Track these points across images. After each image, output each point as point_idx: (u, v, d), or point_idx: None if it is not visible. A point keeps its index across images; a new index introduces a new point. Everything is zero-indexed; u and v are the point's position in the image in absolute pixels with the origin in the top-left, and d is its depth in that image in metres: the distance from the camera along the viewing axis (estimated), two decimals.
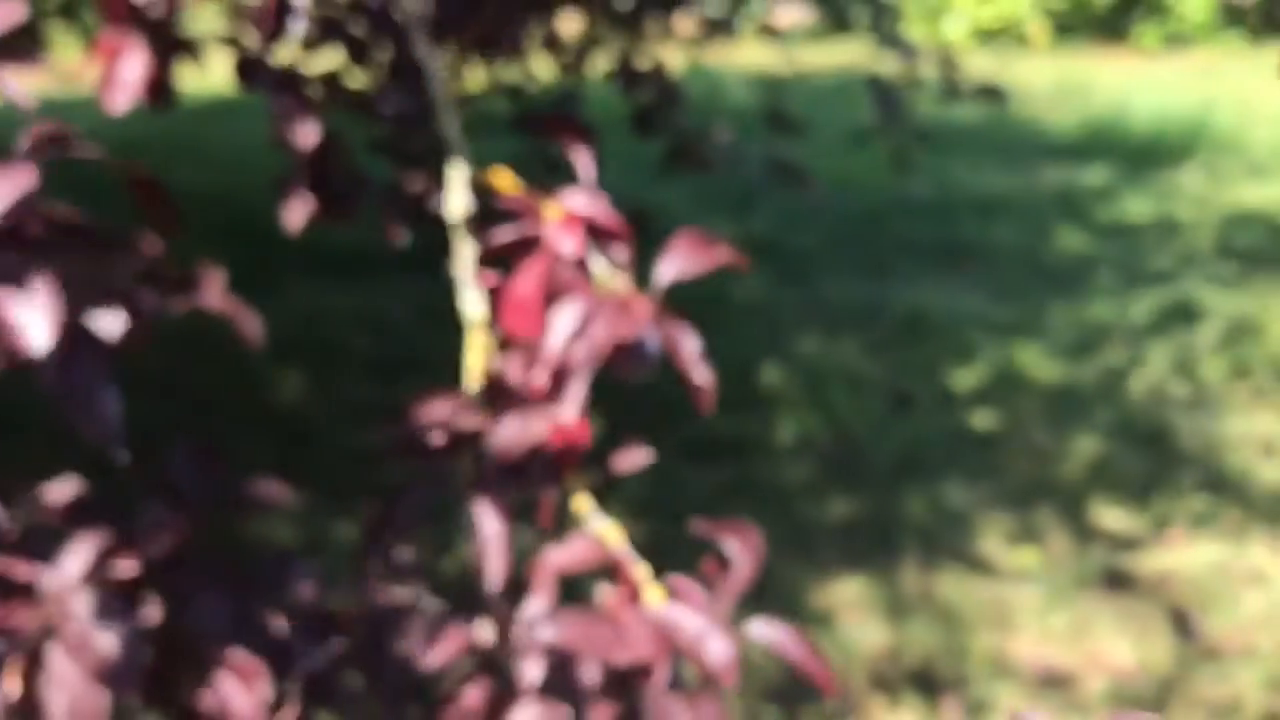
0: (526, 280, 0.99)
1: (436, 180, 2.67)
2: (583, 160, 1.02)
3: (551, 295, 1.00)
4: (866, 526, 3.55)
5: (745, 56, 6.31)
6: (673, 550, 3.60)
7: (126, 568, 1.07)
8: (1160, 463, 3.86)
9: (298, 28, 1.13)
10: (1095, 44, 12.11)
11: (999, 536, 3.50)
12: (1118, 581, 3.29)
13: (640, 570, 1.06)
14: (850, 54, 10.19)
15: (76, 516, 1.15)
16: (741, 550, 1.05)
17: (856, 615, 3.14)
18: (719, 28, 3.82)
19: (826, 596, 3.22)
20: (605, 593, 1.05)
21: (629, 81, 3.06)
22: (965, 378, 4.38)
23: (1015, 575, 3.34)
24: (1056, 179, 7.13)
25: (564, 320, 0.96)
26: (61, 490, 1.19)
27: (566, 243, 0.98)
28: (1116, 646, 3.02)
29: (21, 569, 1.05)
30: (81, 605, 1.00)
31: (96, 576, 1.05)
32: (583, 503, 1.06)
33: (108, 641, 0.98)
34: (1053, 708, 2.80)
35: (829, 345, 4.54)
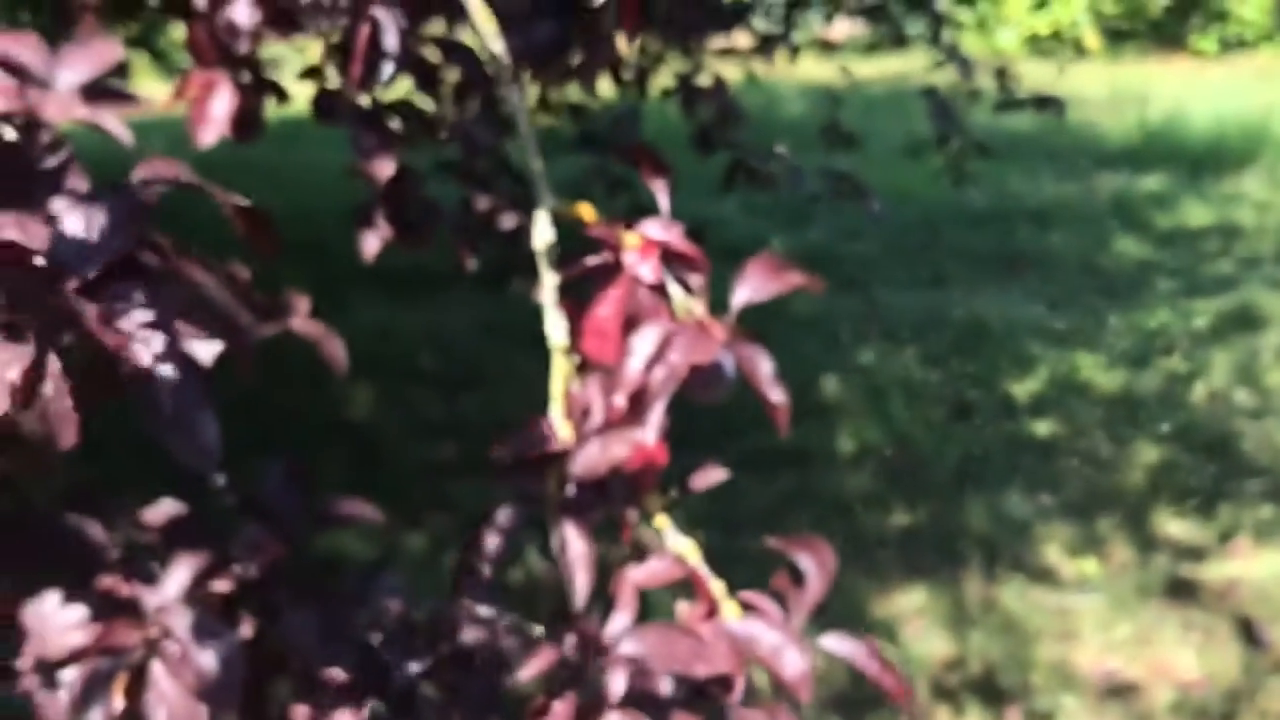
0: (606, 306, 1.04)
1: (502, 200, 2.74)
2: (660, 190, 1.07)
3: (630, 320, 1.05)
4: (928, 536, 3.56)
5: (800, 69, 6.34)
6: (735, 559, 3.64)
7: (223, 586, 1.13)
8: (1224, 471, 3.84)
9: (388, 70, 1.19)
10: (1150, 50, 11.99)
11: (1061, 546, 3.50)
12: (1182, 591, 3.28)
13: (717, 586, 1.10)
14: (903, 65, 10.18)
15: (174, 536, 1.21)
16: (814, 566, 1.09)
17: (919, 625, 3.16)
18: (775, 42, 3.86)
19: (889, 606, 3.25)
20: (684, 608, 1.09)
21: (688, 99, 3.10)
22: (1025, 386, 4.38)
23: (1077, 585, 3.34)
24: (1114, 186, 7.09)
25: (643, 345, 1.00)
26: (159, 511, 1.25)
27: (644, 269, 1.02)
28: (1181, 657, 3.01)
29: (124, 588, 1.11)
30: (182, 623, 1.04)
31: (195, 595, 1.10)
32: (661, 521, 1.11)
33: (208, 659, 1.03)
34: (1118, 719, 2.81)
35: (888, 355, 4.56)
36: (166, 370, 0.71)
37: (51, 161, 0.85)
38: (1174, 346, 4.63)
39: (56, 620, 1.04)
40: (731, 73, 3.74)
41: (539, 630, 1.29)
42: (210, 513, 1.24)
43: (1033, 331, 4.77)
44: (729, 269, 1.10)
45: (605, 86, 3.92)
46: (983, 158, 3.96)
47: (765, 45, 3.67)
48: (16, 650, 1.09)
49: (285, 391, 4.05)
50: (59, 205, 0.78)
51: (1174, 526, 3.58)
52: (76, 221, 0.72)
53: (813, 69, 7.49)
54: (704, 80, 3.06)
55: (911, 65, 9.64)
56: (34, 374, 0.73)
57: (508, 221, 2.67)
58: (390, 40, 1.19)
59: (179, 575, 1.07)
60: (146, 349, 0.71)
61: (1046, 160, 7.72)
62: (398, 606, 1.24)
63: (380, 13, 1.18)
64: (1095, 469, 3.88)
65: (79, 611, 1.05)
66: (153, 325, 0.72)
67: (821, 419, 4.15)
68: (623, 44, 1.12)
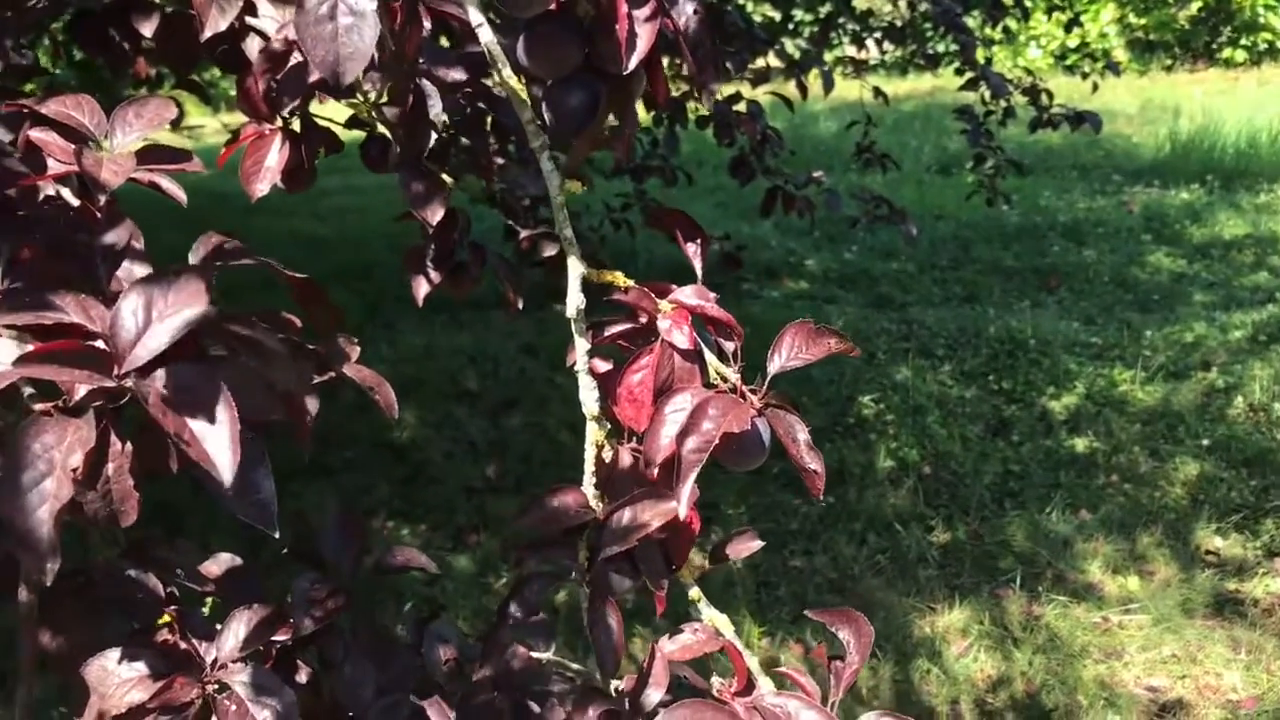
0: (640, 372, 1.06)
1: (540, 230, 2.77)
2: (695, 255, 1.09)
3: (663, 387, 1.06)
4: (968, 553, 3.56)
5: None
6: (778, 576, 3.63)
7: (280, 638, 1.15)
8: (1266, 485, 3.81)
9: (432, 137, 1.22)
10: (1180, 61, 11.91)
11: (1102, 563, 3.48)
12: (1227, 608, 3.26)
13: (752, 661, 1.11)
14: (933, 82, 10.15)
15: (231, 589, 1.24)
16: (854, 639, 1.09)
17: (961, 643, 3.16)
18: (807, 65, 3.88)
19: (930, 624, 3.24)
20: (718, 683, 1.10)
21: (724, 126, 3.13)
22: (1062, 402, 4.36)
23: (1120, 602, 3.32)
24: (1146, 199, 7.04)
25: (675, 412, 1.01)
26: (217, 563, 1.28)
27: (678, 335, 1.04)
28: (1228, 675, 2.99)
29: (182, 642, 1.14)
30: (240, 679, 1.07)
31: (252, 648, 1.13)
32: (695, 593, 1.12)
33: (265, 716, 1.05)
34: None
35: (924, 372, 4.55)
36: (233, 474, 0.74)
37: (112, 237, 0.88)
38: (1211, 360, 4.60)
39: (117, 677, 1.07)
40: (761, 94, 3.77)
41: (577, 669, 1.30)
42: (265, 554, 1.27)
43: (1068, 347, 4.75)
44: (766, 288, 1.11)
45: (640, 112, 3.96)
46: (1017, 175, 3.96)
47: (796, 67, 3.68)
48: (79, 707, 1.12)
49: (332, 412, 4.11)
50: (120, 282, 0.81)
51: (1217, 542, 3.55)
52: (138, 303, 0.74)
53: (843, 87, 7.48)
54: (739, 106, 3.08)
55: (941, 83, 9.62)
56: (96, 457, 0.75)
57: (549, 249, 2.71)
58: (435, 110, 1.22)
59: (236, 629, 1.09)
60: (207, 431, 0.74)
61: (1078, 175, 7.69)
62: (450, 653, 1.27)
63: (425, 84, 1.20)
64: (1135, 485, 3.86)
65: (139, 668, 1.07)
66: (211, 406, 0.74)
67: (859, 437, 4.16)
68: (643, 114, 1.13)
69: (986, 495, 3.85)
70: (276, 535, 1.01)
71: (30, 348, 0.74)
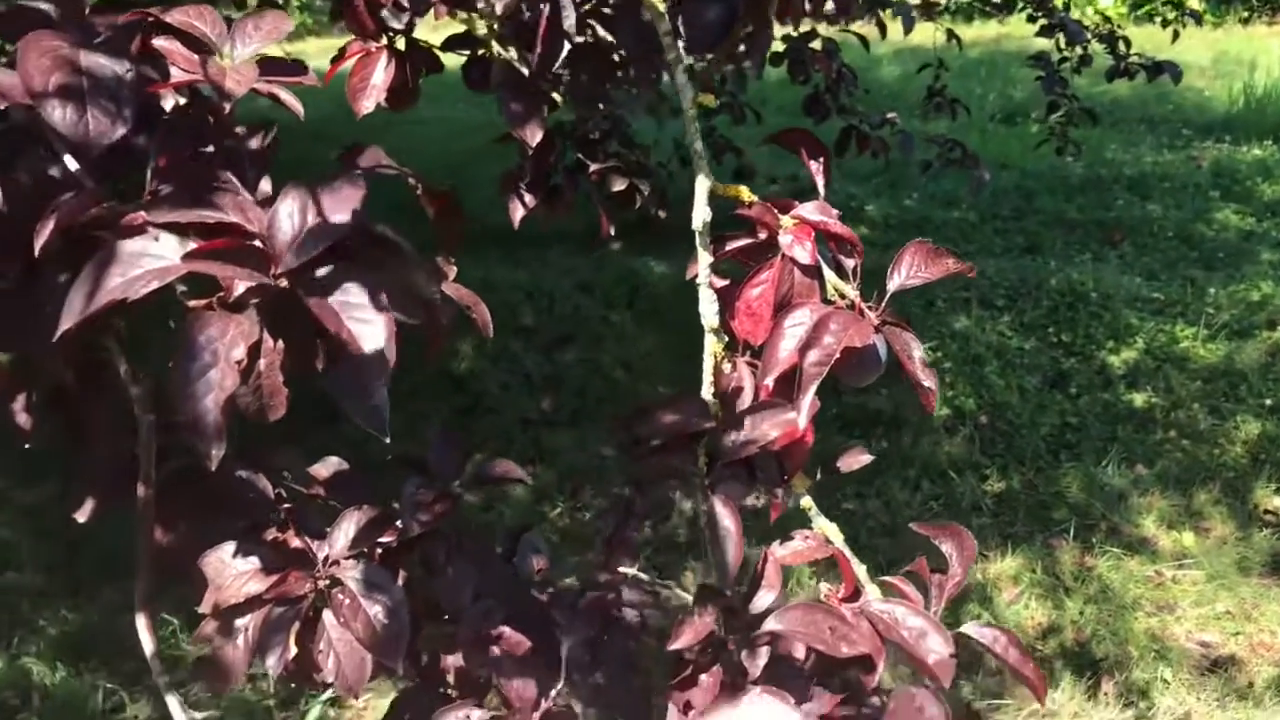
0: (759, 286, 1.07)
1: (610, 165, 2.77)
2: (818, 171, 1.09)
3: (782, 301, 1.07)
4: (1022, 503, 3.56)
5: (894, 31, 6.27)
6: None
7: (387, 540, 1.19)
8: None
9: (564, 50, 1.22)
10: (1258, 14, 11.60)
11: (1157, 518, 3.47)
12: None
13: (860, 569, 1.13)
14: (996, 30, 9.96)
15: (340, 490, 1.27)
16: (956, 553, 1.11)
17: (1013, 590, 3.17)
18: (878, 5, 3.83)
19: (983, 570, 3.25)
20: (826, 589, 1.12)
21: (797, 65, 3.10)
22: (1121, 356, 4.33)
23: (1174, 557, 3.31)
24: (1215, 155, 6.92)
25: (794, 327, 1.02)
26: (325, 467, 1.31)
27: (799, 250, 1.05)
28: None
29: (294, 540, 1.17)
30: (352, 575, 1.10)
31: (361, 547, 1.16)
32: (807, 502, 1.14)
33: (376, 610, 1.08)
34: (1216, 693, 2.80)
35: (983, 322, 4.53)
36: (374, 348, 0.76)
37: (256, 143, 0.90)
38: (1277, 319, 4.54)
39: (233, 569, 1.10)
40: (836, 32, 3.72)
41: (681, 594, 1.33)
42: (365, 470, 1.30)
43: (1129, 301, 4.70)
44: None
45: None
46: (1089, 125, 3.90)
47: (875, 6, 3.64)
48: (196, 598, 1.16)
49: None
50: (268, 188, 0.83)
51: (1276, 502, 3.53)
52: (294, 206, 0.76)
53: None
54: (813, 45, 3.05)
55: (1008, 30, 9.45)
56: (255, 352, 0.78)
57: (618, 184, 2.71)
58: (569, 21, 1.22)
59: (346, 528, 1.12)
60: (363, 329, 0.76)
61: (1146, 128, 7.56)
62: (542, 564, 1.30)
63: None
64: (1193, 441, 3.84)
65: (254, 561, 1.11)
66: (365, 307, 0.76)
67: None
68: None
69: (1042, 446, 3.84)
70: (388, 440, 1.04)
71: (191, 246, 0.76)
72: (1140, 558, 3.33)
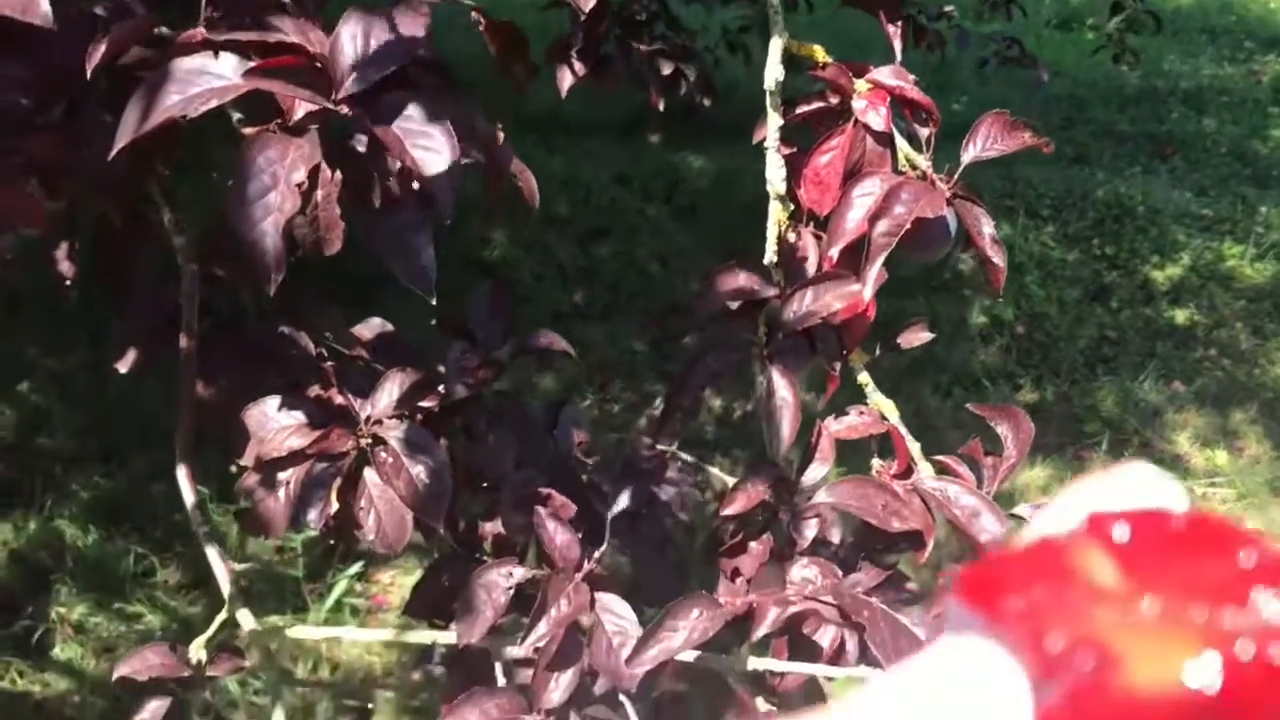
0: (829, 153, 1.03)
1: (657, 47, 2.70)
2: (895, 35, 1.05)
3: (852, 169, 1.03)
4: (1055, 415, 3.53)
5: None
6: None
7: (430, 403, 1.17)
8: None
9: None
10: None
11: (1191, 435, 3.44)
12: None
13: (914, 446, 1.11)
14: None
15: (383, 351, 1.26)
16: (1012, 434, 1.09)
17: (1040, 499, 3.16)
18: None
19: (1010, 480, 3.24)
20: (879, 465, 1.10)
21: None
22: (1166, 273, 4.26)
23: (1206, 475, 3.29)
24: (1277, 69, 6.72)
25: (863, 196, 0.99)
26: (368, 327, 1.30)
27: (873, 116, 1.00)
28: None
29: (337, 397, 1.16)
30: (395, 434, 1.09)
31: (404, 408, 1.15)
32: (864, 377, 1.11)
33: (419, 470, 1.08)
34: None
35: (1027, 232, 4.45)
36: (438, 172, 0.73)
37: None
38: None
39: (276, 423, 1.09)
40: None
41: (720, 476, 1.31)
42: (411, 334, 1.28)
43: (1178, 217, 4.61)
44: None
45: None
46: (1151, 32, 3.78)
47: None
48: (238, 450, 1.15)
49: None
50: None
51: None
52: (357, 29, 0.73)
53: None
54: None
55: None
56: (314, 178, 0.75)
57: (665, 67, 2.64)
58: None
59: (390, 389, 1.11)
60: (428, 156, 0.73)
61: (1206, 39, 7.33)
62: (582, 437, 1.28)
63: None
64: (1233, 361, 3.79)
65: (297, 416, 1.10)
66: (429, 134, 0.73)
67: (954, 291, 4.10)
68: None
69: (1079, 359, 3.79)
70: (434, 301, 1.02)
71: (250, 66, 0.73)
72: (1172, 474, 3.30)
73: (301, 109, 0.74)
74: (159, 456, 2.89)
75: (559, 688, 0.99)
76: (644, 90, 1.88)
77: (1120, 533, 0.27)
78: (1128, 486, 0.29)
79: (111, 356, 1.23)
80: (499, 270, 4.09)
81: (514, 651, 1.15)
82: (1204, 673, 0.24)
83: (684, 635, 0.94)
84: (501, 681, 1.14)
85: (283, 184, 0.73)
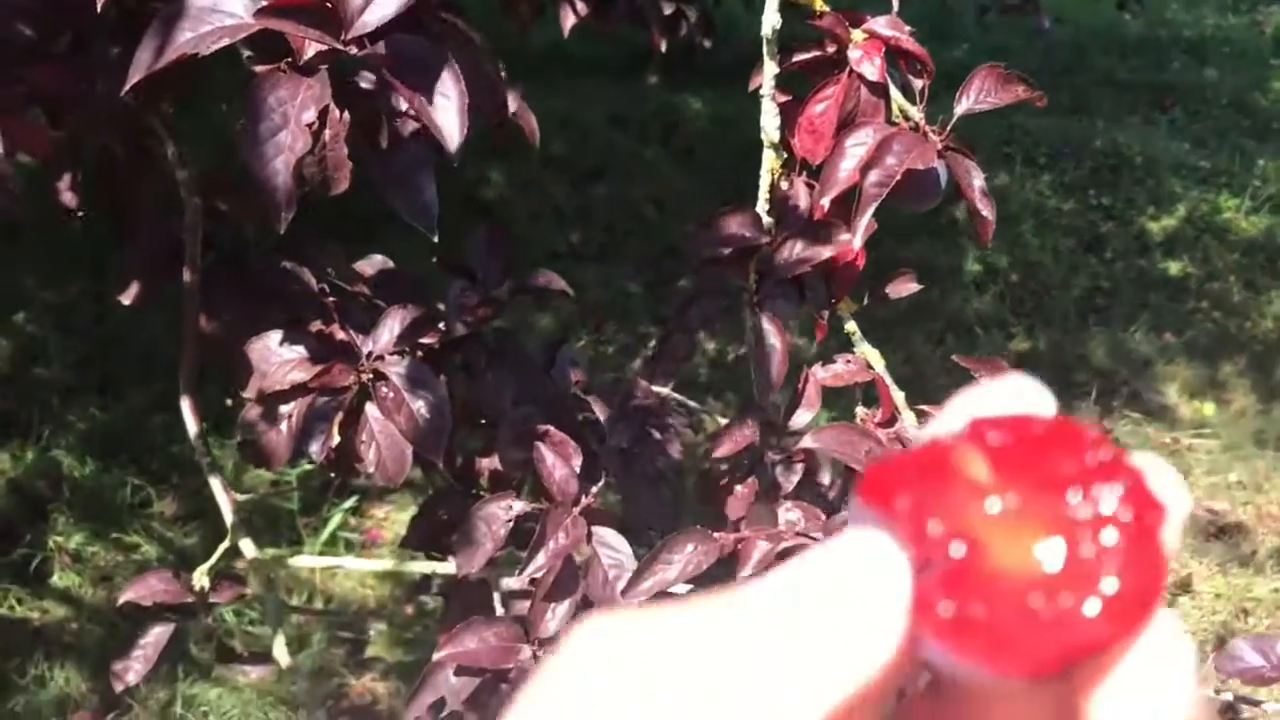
0: (823, 102, 1.04)
1: None
2: None
3: (846, 119, 1.05)
4: (1046, 364, 3.56)
5: None
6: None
7: (430, 340, 1.19)
8: None
9: None
10: None
11: (1180, 386, 3.48)
12: None
13: (898, 395, 1.13)
14: None
15: (385, 287, 1.27)
16: None
17: None
18: None
19: None
20: (863, 412, 1.12)
21: None
22: (1161, 224, 4.27)
23: (1193, 425, 3.33)
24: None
25: (857, 145, 1.00)
26: (370, 263, 1.31)
27: (868, 67, 1.02)
28: None
29: (339, 332, 1.18)
30: (395, 369, 1.11)
31: (406, 344, 1.17)
32: (852, 326, 1.13)
33: (419, 405, 1.10)
34: (1219, 558, 2.84)
35: (1022, 180, 4.45)
36: (447, 116, 0.74)
37: None
38: None
39: (278, 356, 1.11)
40: None
41: (714, 418, 1.33)
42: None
43: (1174, 168, 4.61)
44: None
45: None
46: None
47: None
48: (238, 384, 1.17)
49: None
50: None
51: None
52: None
53: None
54: None
55: None
56: (323, 118, 0.77)
57: (666, 7, 2.63)
58: None
59: (391, 325, 1.12)
60: (437, 99, 0.74)
61: None
62: (579, 375, 1.30)
63: None
64: (1225, 313, 3.81)
65: (299, 350, 1.12)
66: (438, 76, 0.74)
67: (949, 238, 4.11)
68: None
69: (1072, 309, 3.82)
70: (436, 239, 1.03)
71: (261, 5, 0.74)
72: (1159, 424, 3.34)
73: (311, 49, 0.75)
74: (157, 388, 2.92)
75: (556, 618, 1.02)
76: (645, 29, 1.88)
77: (994, 436, 0.30)
78: (1007, 395, 0.33)
79: (110, 288, 1.25)
80: (495, 209, 4.09)
81: (510, 583, 1.18)
82: (1050, 555, 0.29)
83: (678, 568, 0.96)
84: (500, 612, 1.17)
85: (293, 124, 0.74)
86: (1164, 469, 0.31)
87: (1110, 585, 0.28)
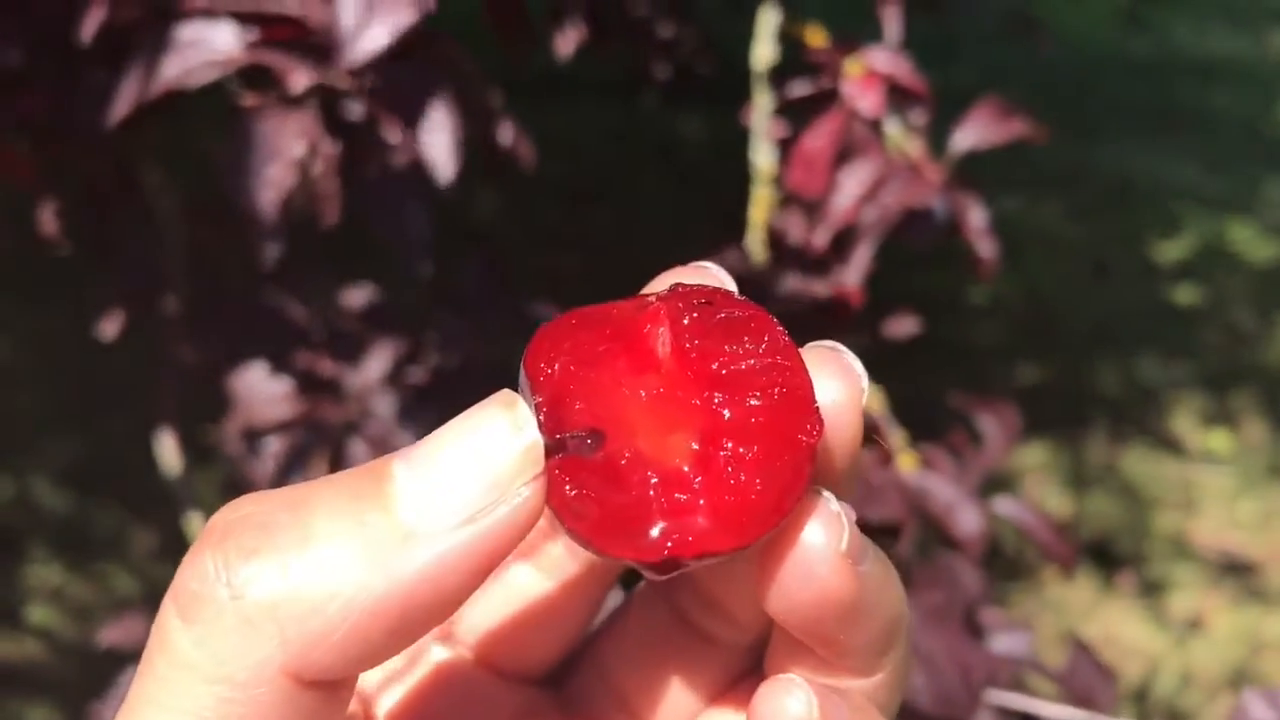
0: (819, 136, 1.01)
1: (656, 6, 2.65)
2: (891, 15, 1.02)
3: (843, 154, 1.01)
4: (1054, 393, 3.52)
5: None
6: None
7: (419, 377, 1.16)
8: None
9: None
10: None
11: (1191, 416, 3.43)
12: None
13: (896, 437, 1.09)
14: None
15: (373, 321, 1.24)
16: (997, 428, 1.08)
17: (1038, 481, 3.15)
18: None
19: (1009, 459, 3.23)
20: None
21: None
22: (1170, 250, 4.23)
23: (1204, 458, 3.28)
24: None
25: (853, 181, 0.97)
26: (358, 295, 1.28)
27: (864, 101, 0.99)
28: None
29: (327, 367, 1.15)
30: (383, 406, 1.08)
31: (394, 379, 1.14)
32: None
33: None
34: (1232, 594, 2.79)
35: (1029, 206, 4.42)
36: (438, 150, 0.71)
37: None
38: None
39: (264, 391, 1.08)
40: None
41: None
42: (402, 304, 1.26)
43: (1183, 193, 4.58)
44: None
45: None
46: (1168, 4, 3.73)
47: None
48: (215, 415, 1.14)
49: None
50: None
51: None
52: (359, 4, 0.71)
53: None
54: None
55: None
56: (313, 150, 0.73)
57: (664, 31, 2.60)
58: None
59: (380, 360, 1.09)
60: (427, 131, 0.71)
61: (1219, 10, 7.25)
62: None
63: None
64: (1236, 341, 3.77)
65: (284, 385, 1.08)
66: (429, 109, 0.71)
67: (954, 265, 4.07)
68: None
69: (1079, 337, 3.78)
70: (431, 272, 1.00)
71: (250, 37, 0.71)
72: (1168, 456, 3.29)
73: (302, 81, 0.72)
74: (132, 419, 2.87)
75: None
76: (641, 52, 1.85)
77: (683, 310, 0.30)
78: (712, 279, 0.34)
79: (89, 316, 1.21)
80: (486, 233, 4.06)
81: None
82: (682, 452, 0.29)
83: None
84: None
85: (283, 157, 0.71)
86: (842, 370, 0.32)
87: (729, 493, 0.28)
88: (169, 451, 1.16)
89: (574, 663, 0.41)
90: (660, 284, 0.33)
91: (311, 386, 1.12)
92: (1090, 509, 3.07)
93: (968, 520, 1.01)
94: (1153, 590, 2.81)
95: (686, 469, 0.29)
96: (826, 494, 0.32)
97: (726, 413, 0.29)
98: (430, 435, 0.32)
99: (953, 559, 1.03)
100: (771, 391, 0.29)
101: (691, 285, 0.31)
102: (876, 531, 1.06)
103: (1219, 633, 2.72)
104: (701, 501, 0.28)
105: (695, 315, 0.30)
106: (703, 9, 4.05)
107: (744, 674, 0.39)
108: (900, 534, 1.03)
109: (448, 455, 0.31)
